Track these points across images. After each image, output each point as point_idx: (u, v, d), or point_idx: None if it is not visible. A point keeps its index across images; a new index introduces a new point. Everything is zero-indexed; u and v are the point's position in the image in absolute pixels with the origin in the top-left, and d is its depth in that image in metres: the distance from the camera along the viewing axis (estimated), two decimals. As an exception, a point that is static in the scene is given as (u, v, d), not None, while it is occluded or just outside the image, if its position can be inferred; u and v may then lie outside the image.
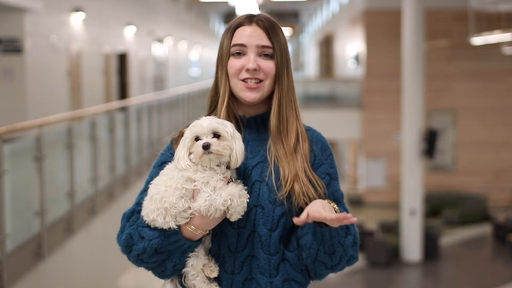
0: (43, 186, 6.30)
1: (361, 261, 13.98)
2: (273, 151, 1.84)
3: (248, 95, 1.84)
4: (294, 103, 1.89)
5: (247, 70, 1.83)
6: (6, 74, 10.31)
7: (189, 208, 1.73)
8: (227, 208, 1.71)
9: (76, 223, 7.12)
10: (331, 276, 13.15)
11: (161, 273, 1.81)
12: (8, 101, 10.30)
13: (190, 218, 1.74)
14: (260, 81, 1.85)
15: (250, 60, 1.83)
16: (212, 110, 1.93)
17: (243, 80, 1.84)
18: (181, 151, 1.78)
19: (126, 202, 9.08)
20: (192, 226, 1.74)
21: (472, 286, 12.89)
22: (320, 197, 1.81)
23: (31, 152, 6.26)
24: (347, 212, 1.86)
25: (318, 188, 1.82)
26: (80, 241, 7.33)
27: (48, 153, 6.52)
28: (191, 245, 1.76)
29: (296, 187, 1.79)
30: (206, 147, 1.72)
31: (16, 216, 5.93)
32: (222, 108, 1.87)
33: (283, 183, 1.80)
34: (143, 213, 1.77)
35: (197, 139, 1.75)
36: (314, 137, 1.90)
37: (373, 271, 13.60)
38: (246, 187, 1.76)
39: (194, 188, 1.73)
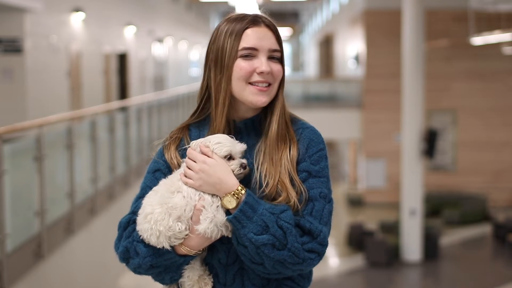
0: (43, 186, 6.30)
1: (361, 261, 13.99)
2: (262, 155, 1.80)
3: (260, 99, 1.79)
4: (286, 106, 1.86)
5: (261, 73, 1.78)
6: (6, 74, 10.31)
7: (186, 229, 1.72)
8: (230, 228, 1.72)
9: (76, 223, 7.13)
10: (331, 276, 13.18)
11: (160, 281, 1.83)
12: (8, 101, 10.31)
13: (184, 239, 1.73)
14: (269, 84, 1.81)
15: (263, 63, 1.79)
16: (202, 112, 1.89)
17: (253, 84, 1.79)
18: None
19: (126, 202, 9.08)
20: (186, 248, 1.74)
21: (472, 286, 12.89)
22: (297, 199, 1.75)
23: (31, 152, 6.26)
24: (321, 212, 1.75)
25: (297, 190, 1.75)
26: (80, 241, 7.33)
27: (48, 153, 6.52)
28: (186, 260, 1.77)
29: (281, 192, 1.74)
30: (245, 167, 1.75)
31: (16, 216, 5.93)
32: (223, 113, 1.81)
33: (266, 189, 1.75)
34: (137, 228, 1.77)
35: (229, 158, 1.74)
36: (302, 136, 1.83)
37: (373, 271, 13.60)
38: None
39: (196, 209, 1.72)
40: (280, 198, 1.74)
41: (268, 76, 1.80)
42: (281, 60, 1.84)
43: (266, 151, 1.80)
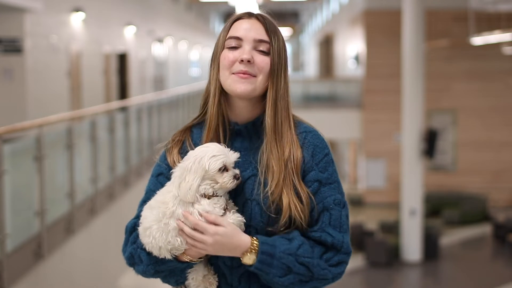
0: (43, 186, 6.30)
1: (361, 261, 13.98)
2: (265, 159, 1.76)
3: (239, 86, 1.75)
4: (289, 110, 1.81)
5: (241, 62, 1.75)
6: (6, 74, 10.31)
7: (184, 244, 1.72)
8: None
9: (76, 223, 7.12)
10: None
11: (168, 283, 1.85)
12: (8, 101, 10.30)
13: (186, 249, 1.73)
14: (253, 76, 1.77)
15: (245, 51, 1.76)
16: (203, 113, 1.88)
17: (235, 74, 1.77)
18: (193, 182, 1.70)
19: (126, 202, 9.09)
20: (188, 256, 1.74)
21: (472, 286, 12.89)
22: (303, 212, 1.73)
23: (31, 152, 6.26)
24: (339, 220, 1.75)
25: (304, 203, 1.73)
26: (80, 241, 7.32)
27: (48, 153, 6.52)
28: (189, 265, 1.77)
29: (284, 200, 1.72)
30: (238, 178, 1.73)
31: (16, 216, 5.93)
32: (213, 108, 1.80)
33: (270, 197, 1.73)
34: (140, 237, 1.76)
35: (224, 169, 1.71)
36: (306, 142, 1.79)
37: (373, 271, 13.60)
38: (240, 217, 1.72)
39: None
40: (284, 207, 1.71)
41: (251, 66, 1.76)
42: (271, 54, 1.79)
43: (269, 150, 1.77)
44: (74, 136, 7.31)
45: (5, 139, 5.76)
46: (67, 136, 7.21)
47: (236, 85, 1.76)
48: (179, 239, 1.70)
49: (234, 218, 1.71)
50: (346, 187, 21.25)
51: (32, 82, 10.57)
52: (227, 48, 1.79)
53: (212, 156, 1.71)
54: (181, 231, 1.69)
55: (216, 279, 1.79)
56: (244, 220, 1.72)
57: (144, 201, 1.83)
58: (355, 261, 14.04)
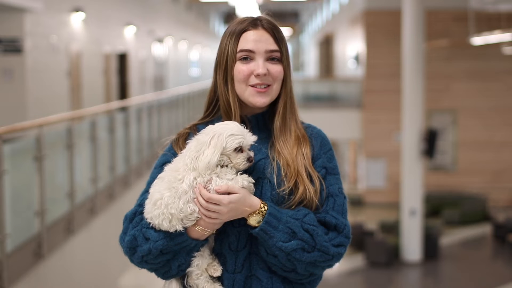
0: (43, 186, 6.30)
1: (361, 261, 13.98)
2: (276, 149, 1.85)
3: (258, 100, 1.86)
4: (294, 104, 1.92)
5: (257, 76, 1.84)
6: (6, 74, 10.31)
7: (196, 211, 1.74)
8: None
9: (76, 223, 7.12)
10: (331, 276, 13.18)
11: (165, 274, 1.82)
12: (8, 101, 10.31)
13: (197, 220, 1.74)
14: (268, 85, 1.86)
15: (260, 65, 1.84)
16: (211, 114, 1.94)
17: (252, 86, 1.85)
18: (212, 157, 1.73)
19: (126, 202, 9.08)
20: (200, 227, 1.75)
21: (472, 286, 12.89)
22: (315, 194, 1.81)
23: (31, 152, 6.26)
24: (342, 207, 1.83)
25: (316, 185, 1.82)
26: (80, 241, 7.33)
27: (48, 153, 6.52)
28: (197, 244, 1.77)
29: (298, 184, 1.80)
30: (252, 160, 1.77)
31: (16, 216, 5.93)
32: (237, 114, 1.86)
33: (285, 179, 1.80)
34: (146, 216, 1.78)
35: (240, 150, 1.76)
36: (313, 133, 1.91)
37: (373, 271, 13.59)
38: (249, 178, 1.78)
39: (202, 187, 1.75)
40: (299, 192, 1.79)
41: (266, 78, 1.85)
42: (282, 60, 1.88)
43: (278, 143, 1.86)
44: (74, 136, 7.31)
45: (5, 139, 5.76)
46: (67, 136, 7.21)
47: (256, 99, 1.86)
48: (191, 205, 1.72)
49: (244, 180, 1.75)
50: (346, 187, 21.15)
51: (32, 82, 10.58)
52: (239, 60, 1.86)
53: (230, 135, 1.76)
54: (196, 200, 1.73)
55: (220, 266, 1.80)
56: (253, 181, 1.77)
57: (146, 192, 1.85)
58: (355, 261, 14.04)
